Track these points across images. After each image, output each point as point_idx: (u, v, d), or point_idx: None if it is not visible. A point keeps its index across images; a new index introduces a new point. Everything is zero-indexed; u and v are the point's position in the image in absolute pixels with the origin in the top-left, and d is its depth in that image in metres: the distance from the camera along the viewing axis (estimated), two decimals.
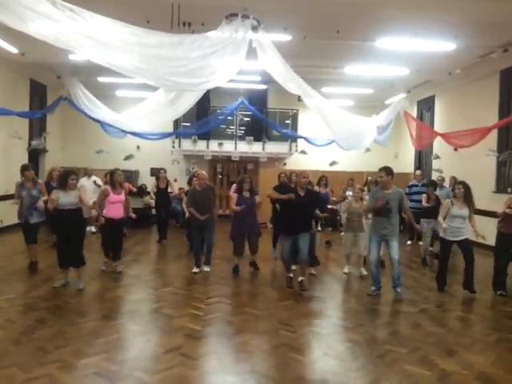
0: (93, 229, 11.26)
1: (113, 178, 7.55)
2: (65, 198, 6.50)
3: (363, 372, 4.24)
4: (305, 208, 6.88)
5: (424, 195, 9.42)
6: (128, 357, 4.46)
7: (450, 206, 6.91)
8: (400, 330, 5.44)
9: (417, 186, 11.34)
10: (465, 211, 6.88)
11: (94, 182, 11.36)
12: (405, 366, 4.38)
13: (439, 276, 7.25)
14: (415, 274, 8.45)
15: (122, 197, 7.61)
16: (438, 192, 9.96)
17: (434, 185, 9.85)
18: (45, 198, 7.21)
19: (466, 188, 6.94)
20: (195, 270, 7.88)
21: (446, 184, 11.34)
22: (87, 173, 11.56)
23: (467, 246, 6.97)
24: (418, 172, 12.04)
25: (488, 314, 6.28)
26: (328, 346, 4.94)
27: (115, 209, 7.52)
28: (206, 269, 7.98)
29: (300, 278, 6.96)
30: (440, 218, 7.03)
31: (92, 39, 4.62)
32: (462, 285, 7.03)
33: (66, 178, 6.59)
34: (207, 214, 7.80)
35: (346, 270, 8.23)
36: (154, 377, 4.05)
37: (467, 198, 6.91)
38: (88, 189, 10.62)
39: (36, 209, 7.34)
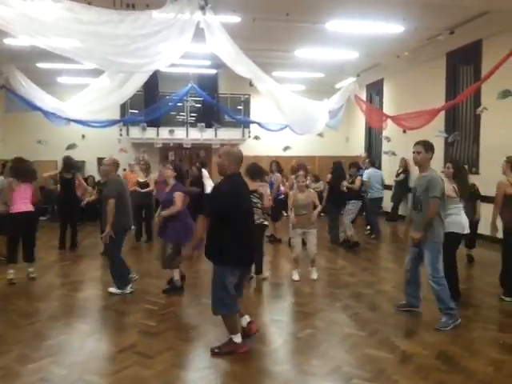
0: None
1: None
2: None
3: (325, 359, 4.15)
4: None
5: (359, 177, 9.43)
6: (77, 359, 4.17)
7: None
8: (359, 312, 5.42)
9: (361, 169, 11.50)
10: None
11: None
12: (366, 350, 4.33)
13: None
14: (369, 255, 8.56)
15: None
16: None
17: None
18: None
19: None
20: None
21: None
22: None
23: None
24: (364, 154, 12.07)
25: None
26: (288, 333, 4.85)
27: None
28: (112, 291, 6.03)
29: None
30: None
31: (23, 16, 4.20)
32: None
33: None
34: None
35: (295, 276, 6.69)
36: (106, 379, 3.81)
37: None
38: None
39: None
